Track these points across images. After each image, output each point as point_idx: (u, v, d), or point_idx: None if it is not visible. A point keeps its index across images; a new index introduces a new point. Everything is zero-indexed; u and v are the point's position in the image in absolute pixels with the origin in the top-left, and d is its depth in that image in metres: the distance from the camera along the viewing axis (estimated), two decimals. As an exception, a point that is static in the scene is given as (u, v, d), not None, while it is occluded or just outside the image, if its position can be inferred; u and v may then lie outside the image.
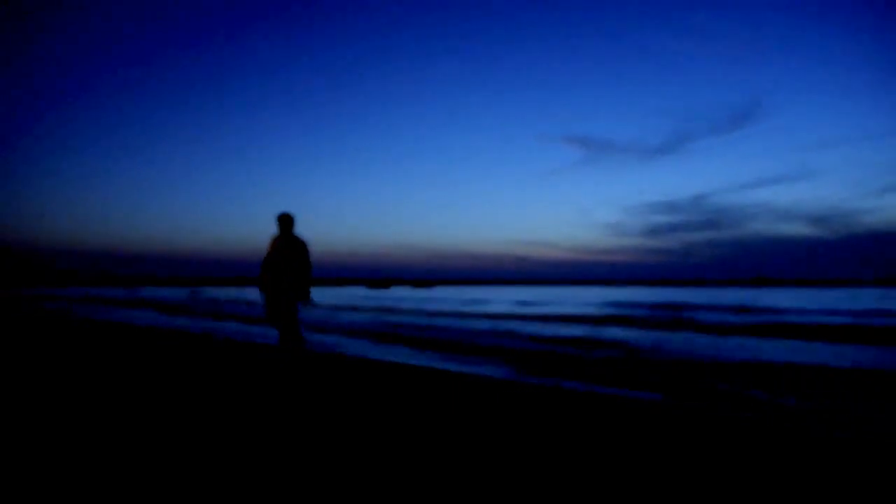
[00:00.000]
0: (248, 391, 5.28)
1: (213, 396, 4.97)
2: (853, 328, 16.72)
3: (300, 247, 6.57)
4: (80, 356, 7.82)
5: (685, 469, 3.28)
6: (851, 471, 3.36)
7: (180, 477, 2.95)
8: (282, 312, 6.57)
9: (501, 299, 40.71)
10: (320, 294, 48.53)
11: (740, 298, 39.74)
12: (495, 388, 5.99)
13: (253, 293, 48.80)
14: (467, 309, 28.85)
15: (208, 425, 3.98)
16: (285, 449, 3.41)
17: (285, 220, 6.57)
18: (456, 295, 47.96)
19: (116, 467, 3.08)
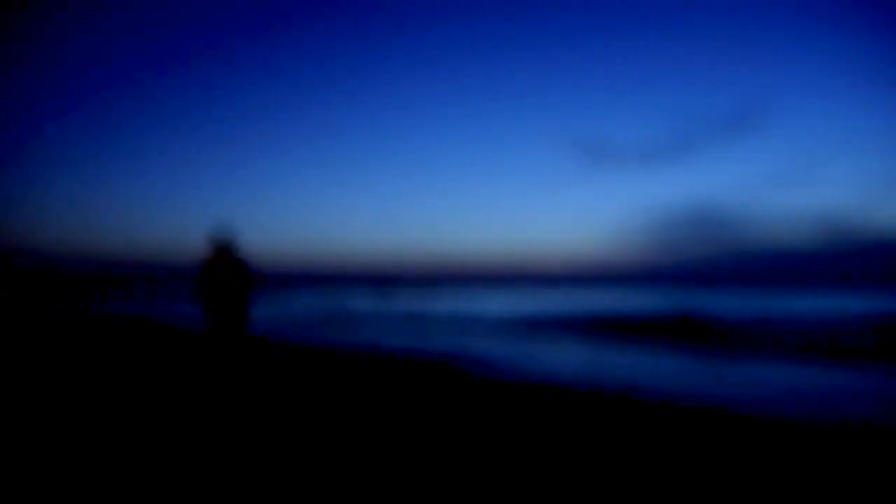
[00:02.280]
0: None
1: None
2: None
3: (244, 274, 6.48)
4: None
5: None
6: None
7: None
8: (224, 319, 6.63)
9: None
10: (309, 298, 48.63)
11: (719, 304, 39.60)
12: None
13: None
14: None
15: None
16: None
17: (226, 244, 6.40)
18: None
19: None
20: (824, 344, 13.82)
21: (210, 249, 6.47)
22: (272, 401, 5.51)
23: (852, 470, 3.49)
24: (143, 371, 7.23)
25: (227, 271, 6.44)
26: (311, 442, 3.89)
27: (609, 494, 2.93)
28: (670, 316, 24.30)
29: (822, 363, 10.50)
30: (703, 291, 62.95)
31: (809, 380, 8.83)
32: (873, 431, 4.75)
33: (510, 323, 21.52)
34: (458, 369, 8.82)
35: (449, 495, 2.87)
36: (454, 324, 21.14)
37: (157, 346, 10.18)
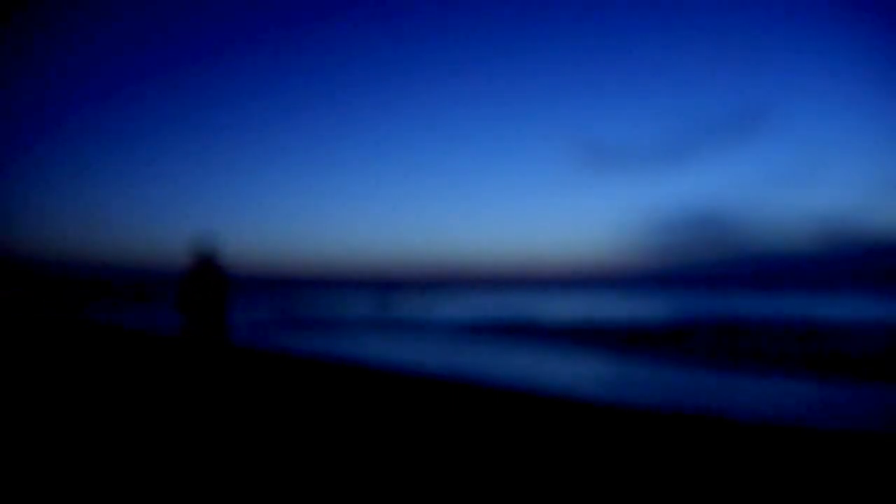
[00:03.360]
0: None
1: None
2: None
3: (223, 286, 6.54)
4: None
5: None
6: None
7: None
8: (205, 324, 6.68)
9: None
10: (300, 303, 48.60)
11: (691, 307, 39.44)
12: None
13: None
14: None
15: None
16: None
17: (209, 255, 6.47)
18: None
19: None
20: (818, 354, 13.62)
21: (193, 260, 6.53)
22: (242, 415, 5.38)
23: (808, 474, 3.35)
24: (120, 378, 7.11)
25: (209, 282, 6.48)
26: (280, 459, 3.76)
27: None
28: (665, 324, 24.09)
29: (811, 374, 10.33)
30: (704, 295, 62.83)
31: (791, 392, 8.68)
32: (829, 437, 4.60)
33: (503, 330, 21.30)
34: (440, 380, 8.70)
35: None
36: (448, 331, 21.01)
37: (134, 354, 10.06)
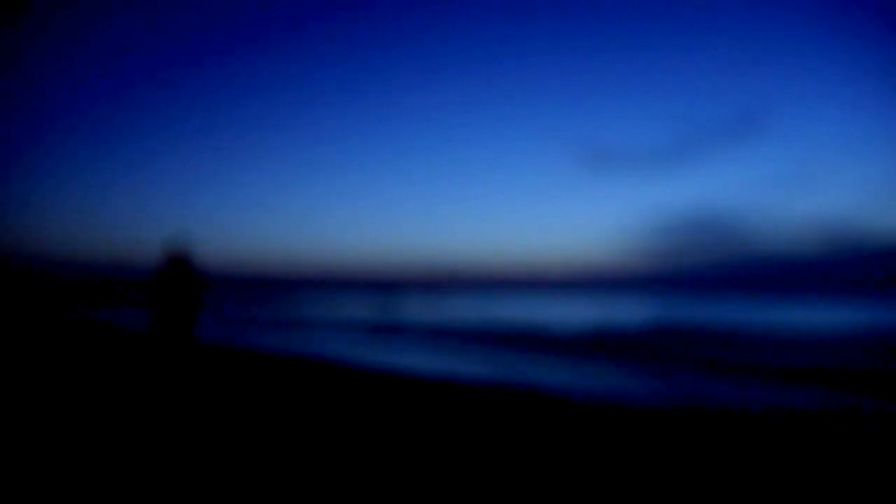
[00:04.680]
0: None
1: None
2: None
3: (195, 285, 6.59)
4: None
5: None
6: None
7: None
8: (173, 323, 6.66)
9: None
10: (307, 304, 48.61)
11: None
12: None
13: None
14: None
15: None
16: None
17: (183, 258, 6.53)
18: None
19: None
20: (793, 364, 13.22)
21: (165, 259, 6.58)
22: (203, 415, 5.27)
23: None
24: (81, 374, 7.04)
25: (181, 281, 6.55)
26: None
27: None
28: (651, 330, 23.88)
29: (771, 384, 10.04)
30: (701, 299, 62.78)
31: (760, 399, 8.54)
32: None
33: (491, 336, 21.06)
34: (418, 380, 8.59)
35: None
36: (437, 335, 20.87)
37: (99, 350, 9.97)
